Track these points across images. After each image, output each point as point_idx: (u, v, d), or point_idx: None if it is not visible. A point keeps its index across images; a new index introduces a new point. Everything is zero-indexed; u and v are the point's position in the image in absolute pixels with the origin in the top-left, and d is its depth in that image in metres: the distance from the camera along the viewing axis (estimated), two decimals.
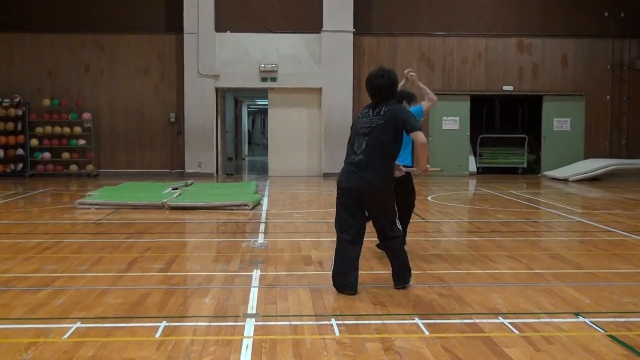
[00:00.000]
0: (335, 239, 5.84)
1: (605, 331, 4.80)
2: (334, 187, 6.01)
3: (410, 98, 7.20)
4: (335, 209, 5.85)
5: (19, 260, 7.16)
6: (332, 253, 7.38)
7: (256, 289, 5.92)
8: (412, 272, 6.15)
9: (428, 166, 5.89)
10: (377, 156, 5.62)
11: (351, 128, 5.96)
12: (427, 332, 4.73)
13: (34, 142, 18.87)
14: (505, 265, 7.03)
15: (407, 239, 8.04)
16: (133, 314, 5.18)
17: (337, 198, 5.77)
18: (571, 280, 6.34)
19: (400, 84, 6.96)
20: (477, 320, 5.01)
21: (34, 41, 19.15)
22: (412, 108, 7.15)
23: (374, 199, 5.67)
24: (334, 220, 5.84)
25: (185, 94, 18.99)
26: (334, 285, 5.74)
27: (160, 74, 19.35)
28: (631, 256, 7.57)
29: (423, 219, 10.51)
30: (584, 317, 5.11)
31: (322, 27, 18.97)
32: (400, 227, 5.89)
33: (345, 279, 5.69)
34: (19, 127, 18.73)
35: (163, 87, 19.37)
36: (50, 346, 4.44)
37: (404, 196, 6.94)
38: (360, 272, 6.65)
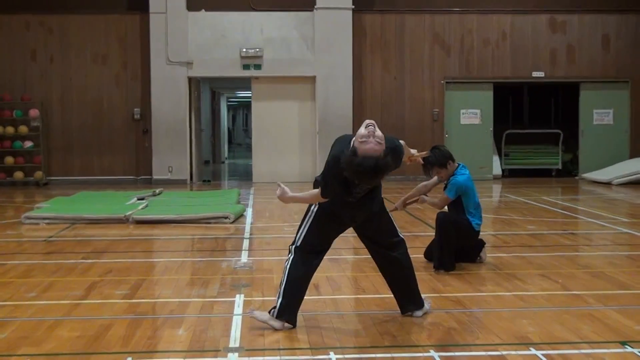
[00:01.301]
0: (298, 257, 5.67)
1: None
2: None
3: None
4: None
5: None
6: (327, 274, 7.37)
7: (239, 318, 5.92)
8: (427, 295, 6.15)
9: (414, 151, 6.27)
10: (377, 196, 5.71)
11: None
12: None
13: None
14: (538, 286, 7.04)
15: (415, 256, 8.05)
16: (92, 349, 5.17)
17: (318, 217, 5.65)
18: (617, 303, 6.35)
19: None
20: (504, 352, 5.02)
21: None
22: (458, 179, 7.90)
23: (374, 216, 5.71)
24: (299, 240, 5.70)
25: (152, 85, 18.99)
26: (286, 320, 5.61)
27: (122, 61, 19.35)
28: None
29: None
30: (631, 347, 5.12)
31: (315, 4, 19.01)
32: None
33: (297, 310, 5.67)
34: None
35: (125, 78, 19.37)
36: None
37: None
38: (364, 295, 6.68)
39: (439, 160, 7.79)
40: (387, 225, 5.83)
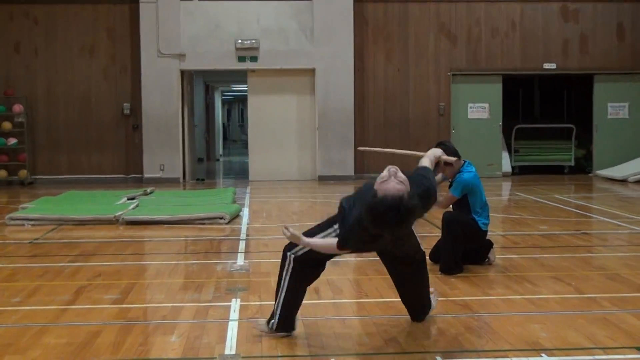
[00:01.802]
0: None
1: None
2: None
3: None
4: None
5: None
6: (327, 277, 7.37)
7: (235, 324, 5.92)
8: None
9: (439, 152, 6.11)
10: None
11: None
12: None
13: None
14: (550, 289, 7.05)
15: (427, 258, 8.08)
16: (80, 357, 5.18)
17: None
18: (633, 307, 6.37)
19: None
20: (514, 359, 5.03)
21: None
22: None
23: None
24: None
25: (143, 78, 18.98)
26: (286, 330, 5.57)
27: (111, 54, 19.34)
28: None
29: None
30: None
31: None
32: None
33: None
34: None
35: (114, 71, 19.36)
36: None
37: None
38: (367, 299, 6.69)
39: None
40: (410, 242, 5.58)
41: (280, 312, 5.53)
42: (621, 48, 20.18)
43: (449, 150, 7.82)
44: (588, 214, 12.74)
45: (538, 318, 6.02)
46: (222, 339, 5.53)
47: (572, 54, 20.10)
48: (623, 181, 18.19)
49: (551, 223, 11.41)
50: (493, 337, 5.50)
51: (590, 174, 20.20)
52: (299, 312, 5.82)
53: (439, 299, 6.37)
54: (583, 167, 20.91)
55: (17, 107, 18.94)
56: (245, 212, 12.98)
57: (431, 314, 5.98)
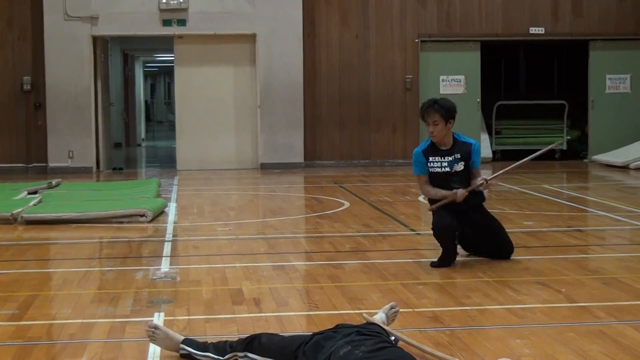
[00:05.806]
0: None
1: None
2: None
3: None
4: None
5: None
6: (271, 285, 7.38)
7: None
8: (400, 309, 6.16)
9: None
10: None
11: None
12: None
13: None
14: (535, 297, 7.11)
15: (390, 261, 8.12)
16: None
17: None
18: (633, 317, 6.44)
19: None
20: None
21: None
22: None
23: None
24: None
25: (46, 47, 18.80)
26: None
27: (7, 16, 19.11)
28: None
29: (413, 230, 10.55)
30: None
31: None
32: None
33: None
34: None
35: (11, 37, 19.14)
36: None
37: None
38: (317, 312, 6.70)
39: (449, 109, 7.93)
40: None
41: None
42: (621, 9, 20.30)
43: (453, 106, 7.93)
44: (582, 207, 12.86)
45: (521, 332, 6.06)
46: None
47: (563, 17, 20.21)
48: (624, 168, 18.33)
49: (538, 218, 11.50)
50: (467, 355, 5.53)
51: (585, 160, 20.36)
52: (236, 327, 5.82)
53: (403, 310, 6.41)
54: (577, 152, 21.10)
55: None
56: (172, 208, 12.92)
57: (394, 328, 6.00)
